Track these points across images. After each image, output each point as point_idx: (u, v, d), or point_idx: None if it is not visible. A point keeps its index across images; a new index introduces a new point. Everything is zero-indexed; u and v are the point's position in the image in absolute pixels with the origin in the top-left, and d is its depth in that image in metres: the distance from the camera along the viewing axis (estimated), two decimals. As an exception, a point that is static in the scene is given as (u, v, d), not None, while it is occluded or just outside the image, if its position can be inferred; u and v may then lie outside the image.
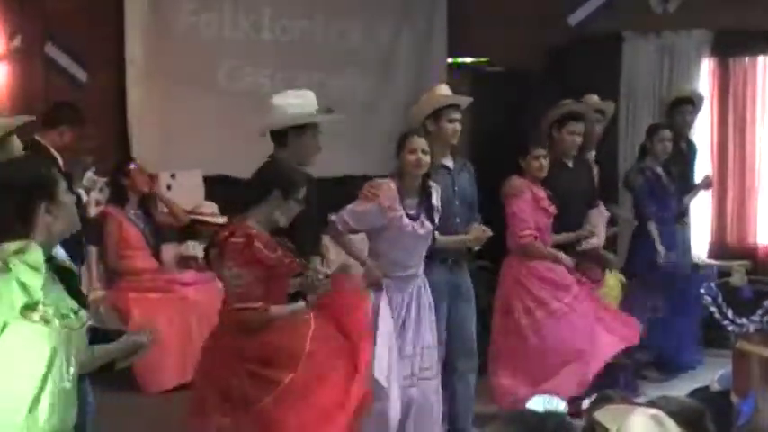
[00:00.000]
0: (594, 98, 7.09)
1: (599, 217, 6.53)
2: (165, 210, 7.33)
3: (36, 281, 2.61)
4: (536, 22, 8.67)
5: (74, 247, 6.64)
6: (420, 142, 5.10)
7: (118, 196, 7.01)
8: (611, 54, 8.51)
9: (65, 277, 2.85)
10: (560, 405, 2.77)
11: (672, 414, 2.79)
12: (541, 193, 6.02)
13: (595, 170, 6.80)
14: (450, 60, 9.45)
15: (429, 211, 5.19)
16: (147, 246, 7.07)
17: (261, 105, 8.18)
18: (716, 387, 5.50)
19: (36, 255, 2.64)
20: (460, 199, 5.67)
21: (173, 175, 7.65)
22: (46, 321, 2.61)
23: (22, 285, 2.59)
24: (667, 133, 7.13)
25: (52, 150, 6.27)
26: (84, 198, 6.75)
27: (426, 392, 5.23)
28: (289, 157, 4.78)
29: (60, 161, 6.12)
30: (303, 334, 4.33)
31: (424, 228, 5.15)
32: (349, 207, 5.11)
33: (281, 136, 4.85)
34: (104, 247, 6.95)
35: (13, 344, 2.57)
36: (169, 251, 7.50)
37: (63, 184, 2.82)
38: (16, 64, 7.03)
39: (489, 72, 9.20)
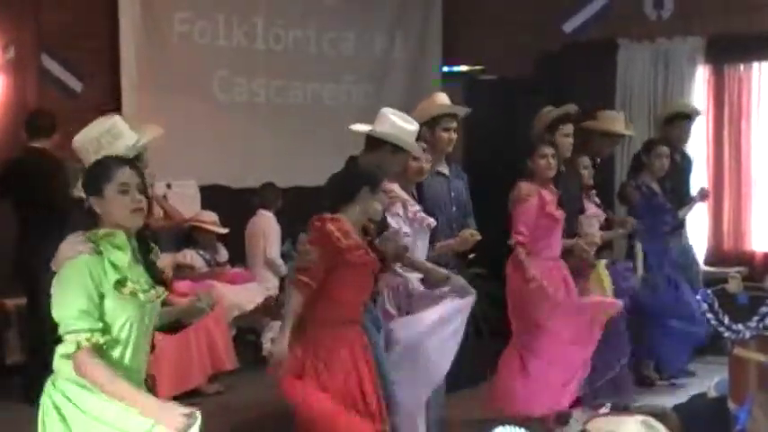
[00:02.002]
0: (620, 122, 7.19)
1: (591, 221, 6.54)
2: (161, 214, 7.31)
3: (122, 260, 3.22)
4: (531, 30, 8.69)
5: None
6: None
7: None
8: (606, 61, 8.53)
9: (144, 253, 3.39)
10: None
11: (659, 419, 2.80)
12: (549, 196, 5.99)
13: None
14: (444, 68, 9.46)
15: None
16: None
17: (255, 114, 8.29)
18: (713, 393, 5.50)
19: (120, 238, 3.24)
20: (456, 205, 5.75)
21: (168, 185, 7.64)
22: (133, 294, 3.22)
23: (113, 264, 3.20)
24: (665, 150, 7.07)
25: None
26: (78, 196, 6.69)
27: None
28: (372, 161, 4.94)
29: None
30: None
31: (431, 219, 5.32)
32: (393, 223, 5.17)
33: (376, 145, 5.00)
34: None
35: (108, 313, 3.18)
36: (165, 260, 7.48)
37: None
38: (11, 75, 7.03)
39: (484, 80, 9.21)
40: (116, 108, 7.53)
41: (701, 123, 8.24)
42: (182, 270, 7.36)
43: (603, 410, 4.80)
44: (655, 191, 7.07)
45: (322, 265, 4.35)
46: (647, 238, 7.05)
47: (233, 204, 7.77)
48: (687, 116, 7.47)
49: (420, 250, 5.30)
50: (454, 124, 5.71)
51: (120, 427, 3.16)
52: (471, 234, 5.53)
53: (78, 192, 6.67)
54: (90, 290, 3.14)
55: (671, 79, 8.41)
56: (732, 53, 8.26)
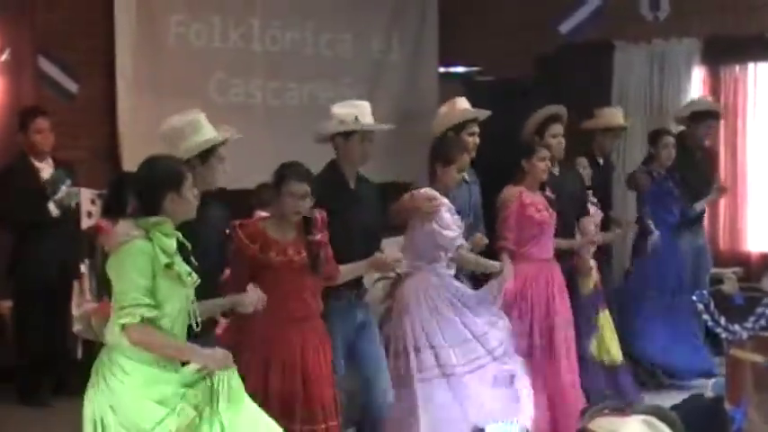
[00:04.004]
0: (619, 115, 7.30)
1: (591, 225, 6.53)
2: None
3: (171, 246, 3.61)
4: (527, 31, 8.69)
5: (70, 260, 6.71)
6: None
7: (111, 209, 6.95)
8: (603, 62, 8.52)
9: (180, 247, 3.73)
10: (517, 429, 2.79)
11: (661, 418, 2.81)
12: (530, 198, 5.96)
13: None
14: (441, 69, 9.46)
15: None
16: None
17: (252, 116, 8.27)
18: (710, 394, 5.51)
19: (169, 227, 3.64)
20: (474, 211, 5.89)
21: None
22: (179, 277, 3.62)
23: (162, 249, 3.57)
24: (671, 139, 7.19)
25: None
26: (55, 213, 6.68)
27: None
28: (341, 160, 5.10)
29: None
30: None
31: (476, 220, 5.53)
32: (443, 231, 5.32)
33: (341, 143, 5.10)
34: (97, 259, 6.91)
35: (161, 292, 3.56)
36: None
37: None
38: (7, 77, 7.03)
39: (480, 81, 9.21)
40: (111, 110, 7.55)
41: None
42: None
43: (605, 411, 4.80)
44: (666, 177, 7.12)
45: (243, 269, 4.48)
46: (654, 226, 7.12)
47: (229, 205, 7.74)
48: (715, 115, 7.52)
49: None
50: (477, 129, 5.95)
51: (156, 398, 3.55)
52: (480, 238, 5.66)
53: (61, 194, 6.73)
54: (146, 270, 3.52)
55: (667, 80, 8.42)
56: (728, 54, 8.26)
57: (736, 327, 4.96)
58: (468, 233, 5.66)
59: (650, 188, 7.18)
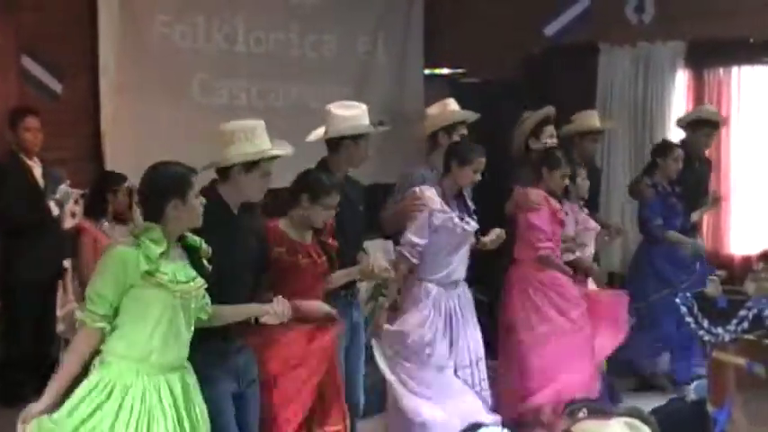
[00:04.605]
0: (594, 117, 7.29)
1: (590, 234, 6.55)
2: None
3: (154, 253, 3.54)
4: (512, 33, 8.71)
5: (52, 261, 6.69)
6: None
7: (93, 209, 6.94)
8: (587, 64, 8.56)
9: (191, 252, 3.75)
10: None
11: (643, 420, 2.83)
12: (557, 204, 6.04)
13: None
14: (426, 71, 9.46)
15: (468, 212, 5.52)
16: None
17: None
18: (692, 396, 5.53)
19: (157, 233, 3.59)
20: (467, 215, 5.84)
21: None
22: (159, 285, 3.55)
23: (147, 257, 3.53)
24: (681, 153, 7.18)
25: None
26: (56, 211, 6.69)
27: (483, 406, 5.44)
28: (341, 162, 5.12)
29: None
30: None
31: (471, 225, 5.43)
32: (409, 233, 5.31)
33: (335, 143, 5.12)
34: (79, 260, 6.88)
35: (136, 299, 3.54)
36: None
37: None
38: (-8, 76, 6.99)
39: (465, 82, 9.21)
40: (95, 110, 7.51)
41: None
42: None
43: (581, 415, 4.80)
44: (669, 191, 7.14)
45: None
46: (657, 239, 7.15)
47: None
48: (714, 124, 7.53)
49: (459, 255, 5.45)
50: (465, 130, 6.08)
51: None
52: (499, 234, 5.68)
53: (60, 193, 6.71)
54: (117, 278, 3.52)
55: (651, 83, 8.45)
56: (712, 57, 8.31)
57: (720, 329, 4.97)
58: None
59: (655, 201, 7.17)
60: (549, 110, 6.71)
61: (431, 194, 5.33)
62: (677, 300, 5.20)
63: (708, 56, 8.28)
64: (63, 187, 6.71)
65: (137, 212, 7.15)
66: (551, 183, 6.06)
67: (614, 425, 3.00)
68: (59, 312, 6.75)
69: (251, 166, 4.14)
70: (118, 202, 6.92)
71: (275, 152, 4.21)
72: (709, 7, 8.03)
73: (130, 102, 7.56)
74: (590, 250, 6.45)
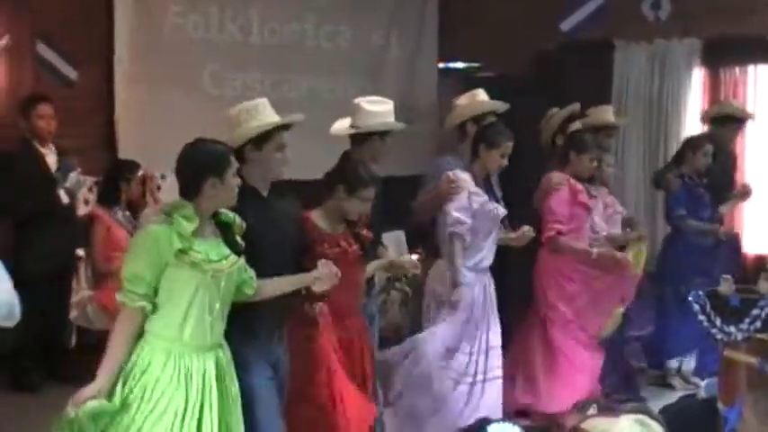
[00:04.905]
0: (609, 113, 7.26)
1: (615, 218, 6.56)
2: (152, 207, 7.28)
3: (187, 230, 3.51)
4: (527, 28, 8.68)
5: (64, 249, 6.71)
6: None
7: (107, 197, 6.96)
8: (603, 61, 8.52)
9: (224, 229, 3.71)
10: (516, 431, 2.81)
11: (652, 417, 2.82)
12: (579, 186, 6.03)
13: None
14: (440, 65, 9.45)
15: (495, 199, 5.60)
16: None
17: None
18: (702, 395, 5.52)
19: (188, 210, 3.55)
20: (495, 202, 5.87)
21: (163, 176, 7.61)
22: (193, 264, 3.51)
23: (179, 235, 3.50)
24: (711, 149, 7.15)
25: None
26: (66, 200, 6.69)
27: (494, 392, 5.48)
28: (364, 156, 5.07)
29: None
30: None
31: (501, 210, 5.47)
32: (453, 212, 5.35)
33: (361, 137, 5.14)
34: (92, 248, 6.91)
35: (171, 279, 3.51)
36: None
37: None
38: (6, 62, 7.01)
39: (480, 77, 9.19)
40: (109, 98, 7.53)
41: (696, 125, 8.25)
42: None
43: (591, 412, 4.80)
44: (696, 182, 7.14)
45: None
46: (684, 230, 7.12)
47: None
48: (740, 119, 7.52)
49: (490, 240, 5.49)
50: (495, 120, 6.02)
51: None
52: (528, 230, 5.66)
53: (71, 182, 6.73)
54: (153, 257, 3.49)
55: (667, 80, 8.41)
56: (728, 55, 8.26)
57: (732, 328, 4.96)
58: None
59: (681, 191, 7.16)
60: (575, 107, 6.73)
61: (465, 177, 5.39)
62: (690, 298, 5.19)
63: (724, 54, 8.23)
64: (74, 175, 6.72)
65: (150, 200, 7.18)
66: (579, 166, 6.08)
67: (624, 422, 2.99)
68: (73, 299, 6.77)
69: (261, 141, 4.04)
70: (131, 190, 6.95)
71: (277, 120, 4.10)
72: (726, 5, 7.99)
73: (143, 91, 7.59)
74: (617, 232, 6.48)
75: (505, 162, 5.52)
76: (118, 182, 6.92)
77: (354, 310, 4.74)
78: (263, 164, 4.05)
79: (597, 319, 6.08)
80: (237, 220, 3.76)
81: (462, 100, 6.24)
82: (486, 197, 5.42)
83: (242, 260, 3.74)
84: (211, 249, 3.62)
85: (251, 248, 3.79)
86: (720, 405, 4.94)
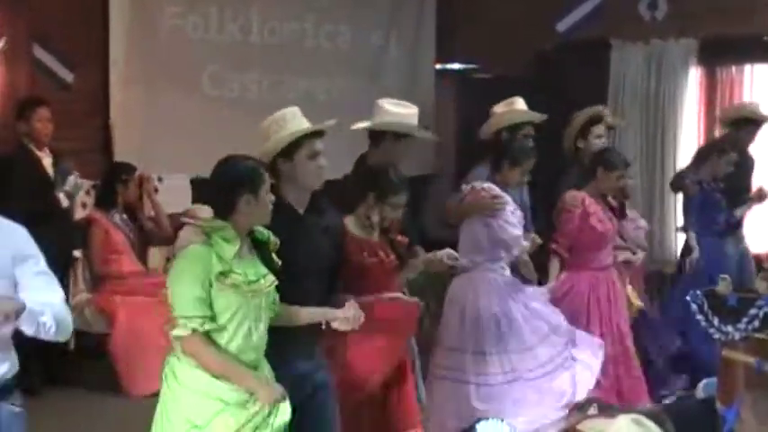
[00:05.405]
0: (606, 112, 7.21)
1: (639, 232, 6.55)
2: (152, 213, 7.28)
3: (228, 253, 3.45)
4: (524, 29, 8.69)
5: (61, 252, 6.70)
6: None
7: (104, 200, 6.96)
8: (599, 61, 8.53)
9: (259, 246, 3.63)
10: (506, 429, 2.82)
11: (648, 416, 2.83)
12: (594, 207, 5.90)
13: None
14: (438, 66, 9.45)
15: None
16: (132, 249, 7.02)
17: (248, 109, 8.24)
18: (701, 395, 5.52)
19: (230, 232, 3.47)
20: (523, 212, 5.82)
21: (160, 179, 7.62)
22: (235, 286, 3.43)
23: (218, 256, 3.43)
24: (734, 157, 7.12)
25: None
26: (65, 203, 6.69)
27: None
28: (378, 157, 5.01)
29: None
30: None
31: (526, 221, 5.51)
32: (510, 229, 5.37)
33: (378, 138, 5.09)
34: (90, 251, 6.90)
35: (214, 301, 3.42)
36: (157, 255, 7.46)
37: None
38: (2, 65, 7.00)
39: (477, 78, 9.20)
40: (106, 100, 7.52)
41: (692, 124, 8.26)
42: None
43: (592, 412, 4.80)
44: (713, 187, 7.13)
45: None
46: (701, 234, 7.10)
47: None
48: (757, 122, 7.50)
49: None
50: (532, 131, 5.99)
51: (215, 396, 3.47)
52: (534, 238, 5.68)
53: (70, 185, 6.72)
54: (202, 278, 3.40)
55: (664, 80, 8.42)
56: (724, 55, 8.28)
57: (729, 328, 4.96)
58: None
59: (698, 199, 7.16)
60: (597, 110, 6.63)
61: (498, 191, 5.40)
62: (687, 298, 5.19)
63: (720, 53, 8.25)
64: (72, 179, 6.72)
65: (147, 203, 7.18)
66: (606, 183, 5.93)
67: (621, 422, 2.99)
68: (71, 302, 6.77)
69: (291, 150, 3.87)
70: (128, 192, 6.95)
71: (306, 127, 3.91)
72: (723, 5, 8.00)
73: (140, 93, 7.58)
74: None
75: (526, 179, 5.59)
76: (114, 185, 6.92)
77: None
78: (297, 175, 3.88)
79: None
80: (272, 237, 3.66)
81: (499, 107, 6.17)
82: (517, 210, 5.49)
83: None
84: (249, 269, 3.53)
85: (283, 268, 3.68)
86: (719, 405, 4.93)
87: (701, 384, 5.79)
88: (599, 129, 6.42)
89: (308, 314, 3.87)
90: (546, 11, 8.70)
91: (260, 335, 3.59)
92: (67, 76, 7.37)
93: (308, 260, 3.87)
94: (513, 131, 5.92)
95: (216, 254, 3.44)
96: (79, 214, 6.96)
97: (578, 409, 4.98)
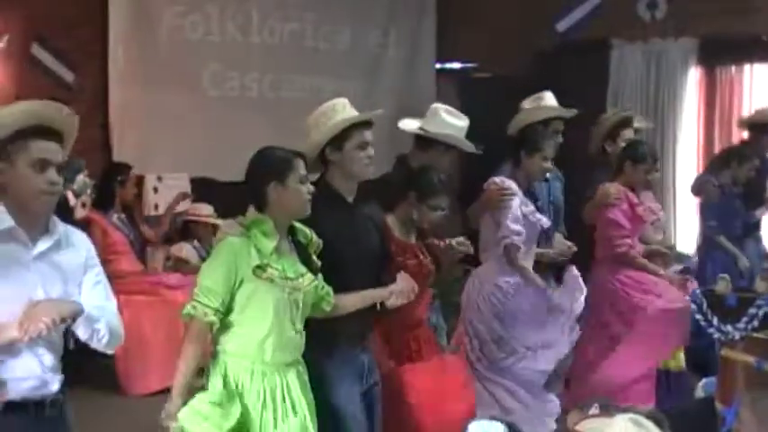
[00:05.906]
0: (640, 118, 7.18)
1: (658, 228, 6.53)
2: (152, 213, 7.28)
3: (267, 247, 3.46)
4: (524, 28, 8.70)
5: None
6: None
7: (102, 200, 6.96)
8: (599, 61, 8.54)
9: (300, 247, 3.63)
10: (500, 429, 2.82)
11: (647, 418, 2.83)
12: (636, 199, 5.90)
13: None
14: (437, 65, 9.46)
15: (537, 209, 5.40)
16: (131, 249, 7.02)
17: (249, 109, 8.25)
18: (700, 394, 5.52)
19: (269, 226, 3.49)
20: (554, 208, 5.77)
21: (159, 178, 7.63)
22: (271, 281, 3.44)
23: (257, 249, 3.45)
24: (757, 164, 7.15)
25: None
26: (73, 201, 6.70)
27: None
28: (424, 162, 4.88)
29: None
30: None
31: (544, 221, 5.32)
32: (508, 222, 5.15)
33: (427, 143, 5.02)
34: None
35: (249, 296, 3.44)
36: (156, 254, 7.46)
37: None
38: (2, 65, 7.00)
39: (477, 77, 9.20)
40: (105, 100, 7.52)
41: (692, 123, 8.27)
42: (180, 263, 7.31)
43: (593, 411, 4.79)
44: (735, 194, 7.14)
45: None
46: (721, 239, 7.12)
47: (224, 197, 7.75)
48: None
49: (531, 251, 5.33)
50: (562, 127, 5.85)
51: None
52: (569, 247, 5.58)
53: (78, 183, 6.71)
54: (229, 271, 3.41)
55: (663, 80, 8.43)
56: (724, 55, 8.29)
57: (729, 327, 4.97)
58: (544, 233, 5.55)
59: (716, 202, 7.16)
60: (628, 114, 6.57)
61: (510, 184, 5.21)
62: (687, 297, 5.20)
63: (720, 53, 8.26)
64: (81, 178, 6.72)
65: (146, 202, 7.19)
66: (634, 176, 5.89)
67: (619, 421, 3.00)
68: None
69: (341, 140, 3.89)
70: (125, 192, 6.95)
71: (354, 116, 3.92)
72: (722, 4, 8.01)
73: (139, 93, 7.59)
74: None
75: (548, 165, 5.34)
76: (112, 185, 6.93)
77: (423, 321, 4.61)
78: (345, 164, 3.90)
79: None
80: (314, 238, 3.68)
81: (527, 103, 6.09)
82: (533, 207, 5.27)
83: (319, 278, 3.66)
84: (288, 266, 3.54)
85: (332, 258, 3.69)
86: (718, 404, 4.94)
87: (700, 384, 5.79)
88: (629, 132, 6.33)
89: (360, 298, 3.84)
90: (546, 11, 8.71)
91: (297, 333, 3.58)
92: (67, 75, 7.37)
93: (358, 247, 3.88)
94: (543, 126, 5.75)
95: (254, 246, 3.46)
96: (79, 213, 6.95)
97: (580, 408, 4.99)
